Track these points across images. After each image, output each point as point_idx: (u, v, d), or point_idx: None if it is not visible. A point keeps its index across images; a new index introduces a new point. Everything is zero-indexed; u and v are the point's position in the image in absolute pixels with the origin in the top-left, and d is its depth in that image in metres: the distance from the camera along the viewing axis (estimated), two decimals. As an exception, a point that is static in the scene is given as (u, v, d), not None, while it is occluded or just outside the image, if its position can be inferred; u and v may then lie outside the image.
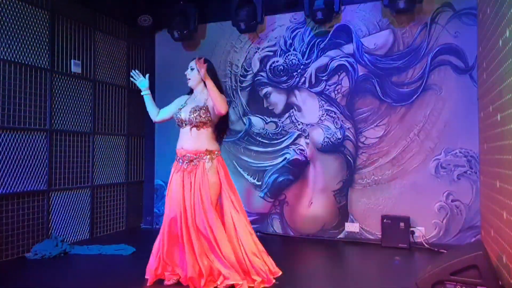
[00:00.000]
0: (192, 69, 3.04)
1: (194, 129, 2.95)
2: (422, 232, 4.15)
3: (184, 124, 2.98)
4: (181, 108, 3.03)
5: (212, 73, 2.97)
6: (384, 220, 4.15)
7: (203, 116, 2.93)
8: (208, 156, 2.94)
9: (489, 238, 3.42)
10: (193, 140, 2.95)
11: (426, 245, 4.06)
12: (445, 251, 3.64)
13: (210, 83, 2.86)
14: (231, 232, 2.92)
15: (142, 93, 3.15)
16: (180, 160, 2.98)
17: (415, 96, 4.28)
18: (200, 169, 2.91)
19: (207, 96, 2.98)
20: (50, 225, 4.03)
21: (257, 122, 4.85)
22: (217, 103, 2.86)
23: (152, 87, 5.29)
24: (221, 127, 3.10)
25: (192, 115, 2.93)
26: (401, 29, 4.35)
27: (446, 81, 4.20)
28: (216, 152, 2.99)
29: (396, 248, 4.03)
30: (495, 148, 3.18)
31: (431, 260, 3.38)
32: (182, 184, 2.94)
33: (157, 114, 3.18)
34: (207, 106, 2.96)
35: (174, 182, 2.98)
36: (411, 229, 4.12)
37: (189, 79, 3.06)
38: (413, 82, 4.30)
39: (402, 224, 4.07)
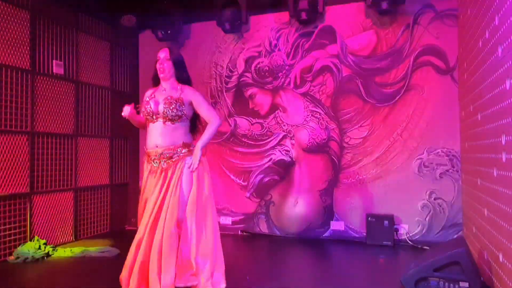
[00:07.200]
0: (168, 60, 2.70)
1: (168, 123, 2.63)
2: (406, 230, 4.21)
3: (154, 118, 2.64)
4: (149, 100, 2.68)
5: (181, 64, 2.75)
6: (369, 219, 4.20)
7: (179, 109, 2.62)
8: (186, 150, 2.64)
9: (471, 235, 3.49)
10: (168, 135, 2.63)
11: (410, 243, 4.12)
12: (428, 248, 3.70)
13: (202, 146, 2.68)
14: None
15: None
16: (156, 161, 2.63)
17: (398, 97, 4.34)
18: (181, 164, 2.61)
19: (181, 92, 2.69)
20: (32, 228, 3.95)
21: (242, 123, 4.85)
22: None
23: (136, 89, 5.31)
24: (195, 120, 2.79)
25: (167, 107, 2.60)
26: (384, 30, 4.40)
27: (428, 81, 4.27)
28: (192, 145, 2.69)
29: (380, 246, 4.09)
30: (476, 147, 3.24)
31: (414, 257, 3.44)
32: (161, 186, 2.59)
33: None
34: (181, 98, 2.65)
35: (149, 187, 2.66)
36: (395, 227, 4.18)
37: (164, 71, 2.70)
38: (396, 82, 4.36)
39: (386, 222, 4.12)
